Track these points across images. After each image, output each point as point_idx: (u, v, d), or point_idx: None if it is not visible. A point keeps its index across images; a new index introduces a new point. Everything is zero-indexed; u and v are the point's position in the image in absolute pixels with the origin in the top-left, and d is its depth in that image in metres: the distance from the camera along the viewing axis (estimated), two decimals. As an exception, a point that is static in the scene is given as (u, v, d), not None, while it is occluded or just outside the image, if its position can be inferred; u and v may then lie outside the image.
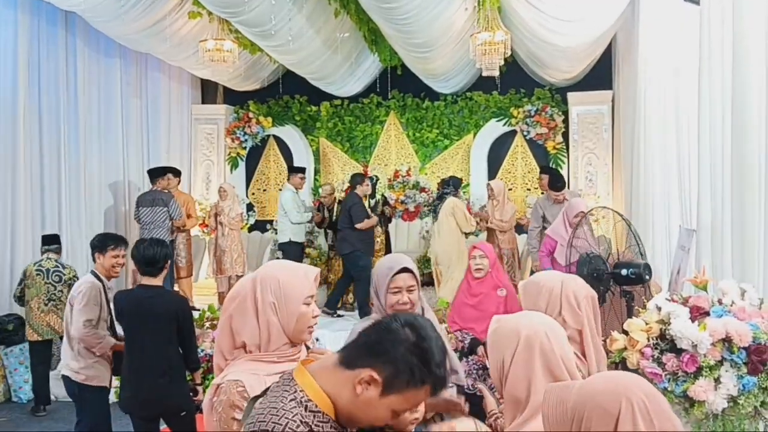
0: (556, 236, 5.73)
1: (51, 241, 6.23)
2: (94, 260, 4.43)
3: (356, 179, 8.05)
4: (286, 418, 1.44)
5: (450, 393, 2.49)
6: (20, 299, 6.13)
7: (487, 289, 4.17)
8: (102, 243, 4.37)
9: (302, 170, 8.70)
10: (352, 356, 1.50)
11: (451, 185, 8.11)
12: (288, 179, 8.57)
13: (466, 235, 7.77)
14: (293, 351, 1.95)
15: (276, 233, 9.67)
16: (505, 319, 1.86)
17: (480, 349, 3.99)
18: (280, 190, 10.67)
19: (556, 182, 7.22)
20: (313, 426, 1.45)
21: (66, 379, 4.30)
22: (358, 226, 7.58)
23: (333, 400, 1.49)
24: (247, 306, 1.92)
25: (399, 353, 1.45)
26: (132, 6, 6.87)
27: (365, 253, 7.68)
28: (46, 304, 5.95)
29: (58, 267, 6.03)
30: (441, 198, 8.12)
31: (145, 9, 7.06)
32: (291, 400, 1.48)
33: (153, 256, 3.90)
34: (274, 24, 7.00)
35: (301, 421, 1.44)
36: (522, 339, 1.73)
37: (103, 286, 4.29)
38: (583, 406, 1.33)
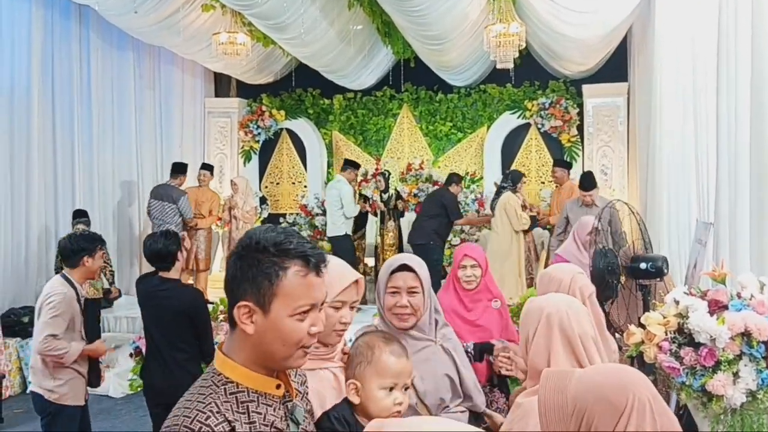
0: (566, 255, 5.18)
1: (81, 215, 7.04)
2: (70, 266, 3.98)
3: (452, 178, 8.21)
4: (197, 409, 1.33)
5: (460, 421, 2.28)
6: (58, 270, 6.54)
7: (483, 302, 3.60)
8: (92, 244, 3.99)
9: (359, 166, 8.90)
10: (229, 314, 1.42)
11: (510, 180, 7.64)
12: (342, 171, 8.45)
13: (517, 232, 7.44)
14: (325, 351, 1.90)
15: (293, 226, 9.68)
16: (533, 299, 2.03)
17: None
18: (295, 182, 10.76)
19: (583, 181, 6.84)
20: (230, 410, 1.34)
21: (37, 397, 3.90)
22: (459, 222, 8.08)
23: (253, 366, 1.40)
24: None
25: (244, 268, 1.37)
26: (145, -1, 6.89)
27: (439, 246, 7.74)
28: None
29: (85, 232, 6.28)
30: (498, 193, 7.62)
31: (159, 2, 7.08)
32: (208, 386, 1.38)
33: (160, 251, 3.88)
34: (287, 16, 7.00)
35: (213, 411, 1.32)
36: (544, 315, 1.87)
37: (77, 292, 3.96)
38: (586, 398, 1.31)
